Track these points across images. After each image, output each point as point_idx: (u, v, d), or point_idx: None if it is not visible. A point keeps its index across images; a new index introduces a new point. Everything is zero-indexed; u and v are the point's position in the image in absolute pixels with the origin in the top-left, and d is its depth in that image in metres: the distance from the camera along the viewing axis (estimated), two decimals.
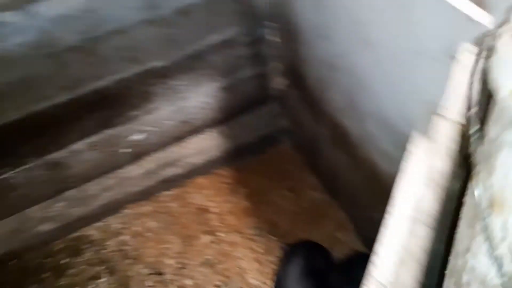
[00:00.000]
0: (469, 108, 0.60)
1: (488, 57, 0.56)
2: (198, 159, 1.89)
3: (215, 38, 1.62)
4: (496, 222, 0.49)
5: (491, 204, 0.51)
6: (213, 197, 1.87)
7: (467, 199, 0.63)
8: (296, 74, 1.65)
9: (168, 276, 1.68)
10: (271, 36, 1.71)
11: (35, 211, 1.70)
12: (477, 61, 0.60)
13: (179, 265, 1.70)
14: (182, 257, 1.71)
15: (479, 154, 0.56)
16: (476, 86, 0.59)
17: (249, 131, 1.93)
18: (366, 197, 1.51)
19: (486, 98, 0.59)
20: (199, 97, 1.77)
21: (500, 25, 0.59)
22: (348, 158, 1.48)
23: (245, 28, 1.65)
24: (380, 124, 1.20)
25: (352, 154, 1.43)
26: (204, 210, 1.83)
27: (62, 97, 1.47)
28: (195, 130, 1.88)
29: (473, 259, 0.56)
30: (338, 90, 1.37)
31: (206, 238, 1.75)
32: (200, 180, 1.92)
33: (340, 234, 1.69)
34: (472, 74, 0.61)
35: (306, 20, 1.40)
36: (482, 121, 0.57)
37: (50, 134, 1.55)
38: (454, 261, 0.67)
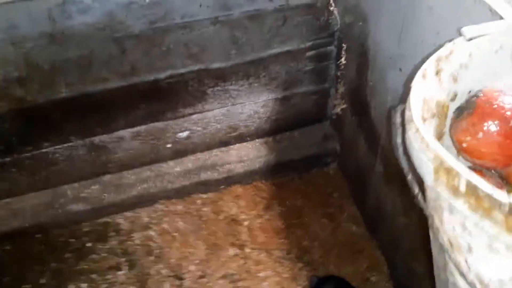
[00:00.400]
0: (406, 172, 0.64)
1: (404, 134, 0.61)
2: (238, 167, 1.82)
3: (280, 47, 1.56)
4: (459, 258, 0.58)
5: (451, 245, 0.58)
6: (247, 209, 1.80)
7: (431, 232, 0.69)
8: (358, 100, 1.56)
9: (187, 283, 1.62)
10: (339, 55, 1.62)
11: (69, 189, 1.69)
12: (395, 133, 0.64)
13: (200, 273, 1.63)
14: (204, 265, 1.65)
15: (428, 208, 0.62)
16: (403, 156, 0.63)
17: (296, 148, 1.85)
18: (409, 245, 1.39)
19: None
20: (252, 104, 1.71)
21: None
22: (399, 200, 1.37)
23: (313, 43, 1.58)
24: None
25: (404, 197, 1.33)
26: (235, 221, 1.77)
27: (117, 82, 1.44)
28: (240, 137, 1.82)
29: (452, 277, 0.64)
30: None
31: (232, 251, 1.68)
32: (237, 189, 1.85)
33: (372, 276, 1.58)
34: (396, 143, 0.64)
35: (382, 48, 1.30)
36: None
37: (99, 117, 1.53)
38: (437, 272, 0.74)
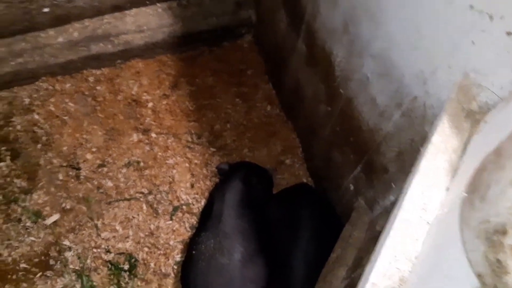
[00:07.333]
0: None
1: None
2: (137, 39, 1.54)
3: None
4: None
5: None
6: (150, 88, 1.57)
7: None
8: None
9: (84, 172, 1.44)
10: None
11: None
12: None
13: (99, 162, 1.46)
14: (103, 153, 1.47)
15: None
16: None
17: (206, 16, 1.58)
18: (327, 133, 1.31)
19: None
20: None
21: None
22: (322, 87, 1.24)
23: None
24: (379, 69, 0.95)
25: (328, 85, 1.19)
26: (137, 102, 1.55)
27: None
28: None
29: None
30: (333, 5, 1.07)
31: (135, 136, 1.50)
32: (138, 65, 1.59)
33: (287, 158, 1.52)
34: None
35: None
36: None
37: None
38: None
